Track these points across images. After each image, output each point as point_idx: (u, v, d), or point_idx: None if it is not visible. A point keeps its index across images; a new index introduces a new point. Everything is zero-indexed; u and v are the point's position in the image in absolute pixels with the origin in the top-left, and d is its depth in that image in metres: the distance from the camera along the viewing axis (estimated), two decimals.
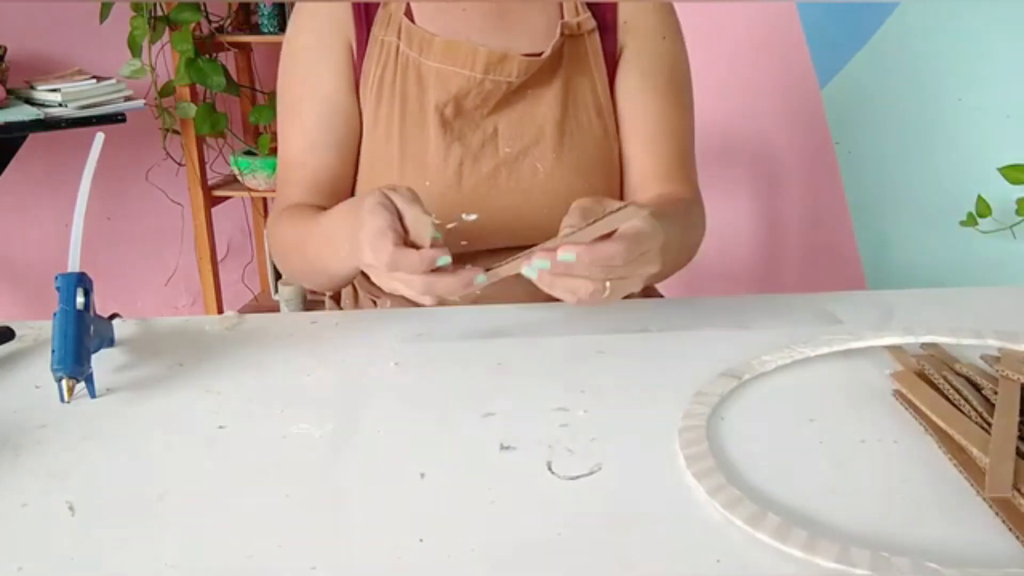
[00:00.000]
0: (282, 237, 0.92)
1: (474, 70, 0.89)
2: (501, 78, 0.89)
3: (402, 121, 0.91)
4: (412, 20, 0.91)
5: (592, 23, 0.93)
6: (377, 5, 0.92)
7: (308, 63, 0.94)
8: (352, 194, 0.96)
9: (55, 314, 0.70)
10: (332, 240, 0.80)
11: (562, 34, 0.91)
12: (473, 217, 0.92)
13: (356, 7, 0.92)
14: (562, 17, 0.93)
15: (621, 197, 1.00)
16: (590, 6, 0.94)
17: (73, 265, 0.73)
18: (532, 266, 0.68)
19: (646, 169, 0.95)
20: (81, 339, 0.68)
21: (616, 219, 0.66)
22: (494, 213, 0.91)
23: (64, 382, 0.67)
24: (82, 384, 0.68)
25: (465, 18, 0.91)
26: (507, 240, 0.94)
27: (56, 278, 0.71)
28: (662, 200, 0.90)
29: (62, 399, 0.67)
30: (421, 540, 0.51)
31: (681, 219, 0.87)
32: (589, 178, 0.93)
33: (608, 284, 0.67)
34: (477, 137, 0.91)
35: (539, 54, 0.90)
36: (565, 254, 0.65)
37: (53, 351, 0.68)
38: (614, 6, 0.94)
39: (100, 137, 0.75)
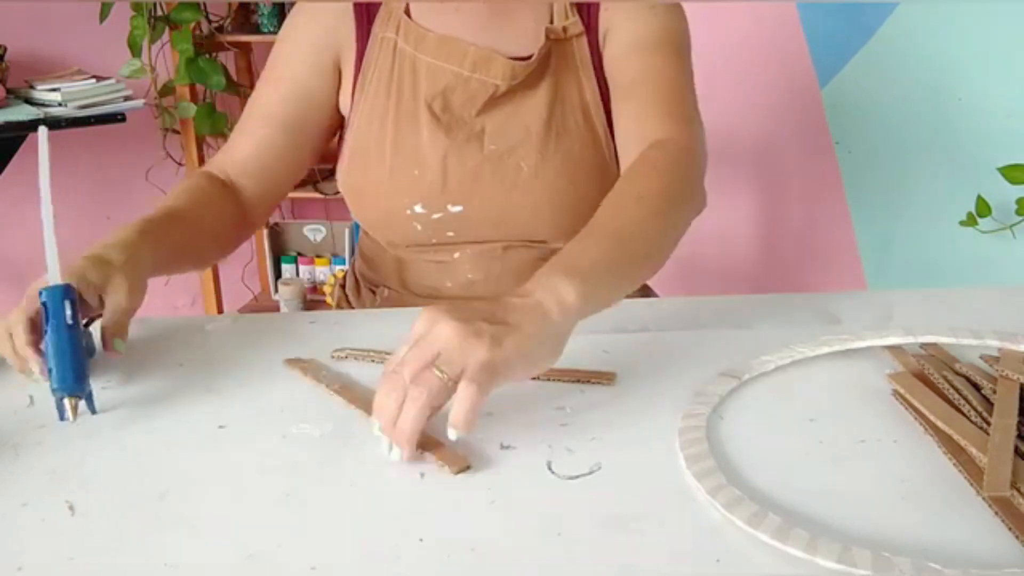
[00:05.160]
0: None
1: (462, 67, 0.91)
2: (487, 78, 0.91)
3: (396, 112, 0.93)
4: (411, 18, 0.94)
5: (579, 27, 0.94)
6: (379, 5, 0.95)
7: (293, 46, 0.97)
8: (294, 176, 0.98)
9: (46, 331, 0.66)
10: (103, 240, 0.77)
11: (547, 39, 0.92)
12: (458, 209, 0.94)
13: (358, 8, 0.95)
14: (551, 21, 0.94)
15: (608, 188, 0.88)
16: (578, 10, 0.94)
17: (53, 276, 0.69)
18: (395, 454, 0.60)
19: (636, 116, 0.90)
20: (78, 354, 0.66)
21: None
22: (479, 206, 0.93)
23: (67, 401, 0.65)
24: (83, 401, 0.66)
25: (459, 17, 0.94)
26: (492, 233, 0.95)
27: (40, 293, 0.68)
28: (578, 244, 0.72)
29: (63, 418, 0.65)
30: (421, 540, 0.51)
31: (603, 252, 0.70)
32: (574, 179, 0.94)
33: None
34: (463, 133, 0.93)
35: (527, 56, 0.92)
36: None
37: (50, 370, 0.65)
38: (597, 9, 0.94)
39: (44, 131, 0.72)
